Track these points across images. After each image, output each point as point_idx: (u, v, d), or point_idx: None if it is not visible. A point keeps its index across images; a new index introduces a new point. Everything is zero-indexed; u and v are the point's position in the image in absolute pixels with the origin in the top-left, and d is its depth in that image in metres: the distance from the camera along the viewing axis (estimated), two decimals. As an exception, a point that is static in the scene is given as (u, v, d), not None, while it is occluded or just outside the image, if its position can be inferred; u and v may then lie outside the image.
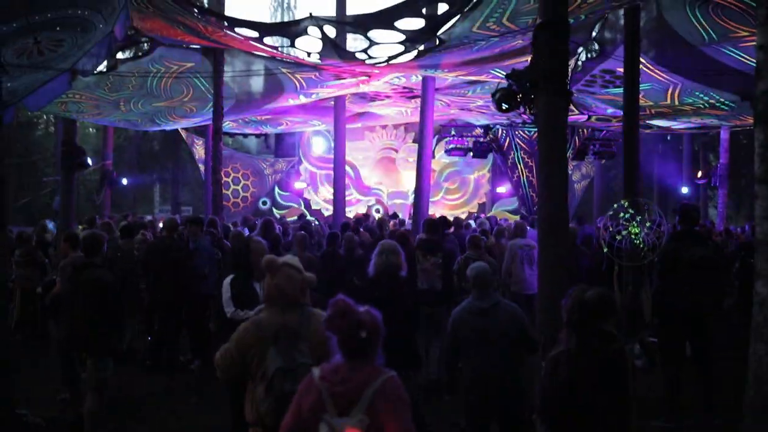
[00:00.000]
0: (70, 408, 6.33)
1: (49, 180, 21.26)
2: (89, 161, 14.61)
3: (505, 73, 6.50)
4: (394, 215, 17.52)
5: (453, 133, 19.80)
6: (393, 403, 2.68)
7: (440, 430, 5.89)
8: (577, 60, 11.47)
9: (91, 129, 33.60)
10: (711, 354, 6.31)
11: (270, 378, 3.36)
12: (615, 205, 9.05)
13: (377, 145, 24.77)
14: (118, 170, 22.02)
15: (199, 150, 22.17)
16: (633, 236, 8.80)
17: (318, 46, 10.34)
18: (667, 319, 6.25)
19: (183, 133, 22.08)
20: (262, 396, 3.38)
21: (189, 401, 7.00)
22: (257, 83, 14.38)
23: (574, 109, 13.60)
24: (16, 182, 24.01)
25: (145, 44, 12.39)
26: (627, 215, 8.89)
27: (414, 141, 23.46)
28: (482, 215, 19.50)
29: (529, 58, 5.98)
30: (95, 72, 8.86)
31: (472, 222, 13.91)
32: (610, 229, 8.97)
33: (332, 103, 15.95)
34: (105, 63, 10.76)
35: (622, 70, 10.04)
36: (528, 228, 10.49)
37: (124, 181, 22.56)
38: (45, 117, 30.73)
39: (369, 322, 2.76)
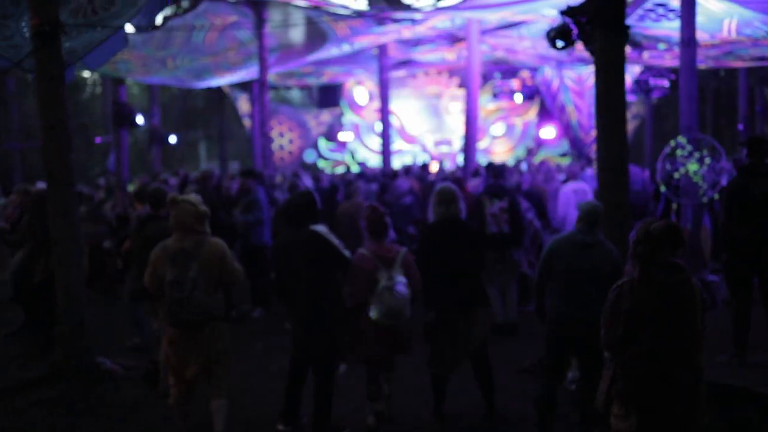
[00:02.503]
0: (145, 358, 6.61)
1: (101, 140, 21.67)
2: (139, 119, 14.88)
3: (557, 11, 6.35)
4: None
5: (499, 76, 19.50)
6: (412, 263, 5.02)
7: (503, 372, 5.95)
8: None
9: (136, 88, 34.00)
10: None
11: (166, 287, 4.51)
12: (672, 142, 8.86)
13: (421, 92, 24.51)
14: (164, 128, 22.30)
15: (242, 105, 22.29)
16: (691, 174, 8.64)
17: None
18: (735, 256, 6.11)
19: (226, 89, 22.20)
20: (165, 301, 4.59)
21: (255, 347, 7.24)
22: (300, 34, 14.33)
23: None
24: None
25: (185, 1, 12.45)
26: (685, 152, 8.72)
27: (459, 86, 23.16)
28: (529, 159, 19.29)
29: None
30: (149, 28, 8.93)
31: (523, 165, 13.81)
32: (668, 167, 8.82)
33: (375, 51, 15.82)
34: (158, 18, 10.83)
35: (676, 1, 9.70)
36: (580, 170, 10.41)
37: (172, 139, 22.89)
38: (91, 79, 31.16)
39: (381, 216, 5.03)
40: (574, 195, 8.95)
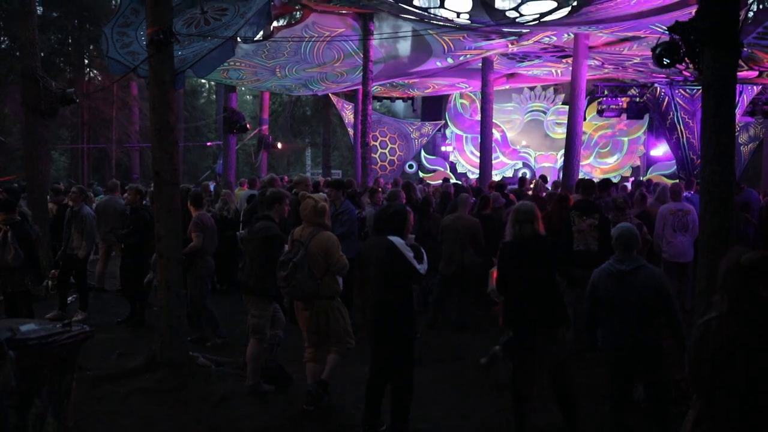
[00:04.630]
0: (235, 354, 6.86)
1: (211, 144, 22.70)
2: (248, 125, 15.48)
3: (666, 27, 6.12)
4: (543, 177, 17.07)
5: (606, 93, 18.97)
6: None
7: (586, 393, 5.78)
8: (749, 10, 10.56)
9: (248, 96, 35.37)
10: None
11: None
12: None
13: (525, 107, 24.23)
14: (272, 134, 23.05)
15: (348, 115, 22.74)
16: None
17: (467, 5, 10.21)
18: None
19: (333, 99, 22.72)
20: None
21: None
22: (405, 46, 14.48)
23: (743, 64, 12.58)
24: (182, 146, 25.88)
25: (298, 12, 12.82)
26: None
27: (564, 102, 22.72)
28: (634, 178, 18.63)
29: (695, 10, 5.59)
30: (255, 39, 9.30)
31: (627, 185, 13.36)
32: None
33: (480, 64, 15.76)
34: (263, 31, 11.24)
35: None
36: (684, 192, 9.95)
37: (279, 145, 23.60)
38: (207, 86, 32.69)
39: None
40: (671, 216, 8.61)
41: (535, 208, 5.13)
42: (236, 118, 15.10)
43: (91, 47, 24.80)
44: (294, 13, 14.52)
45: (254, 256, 5.91)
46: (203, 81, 27.64)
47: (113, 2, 26.29)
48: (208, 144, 23.38)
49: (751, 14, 10.56)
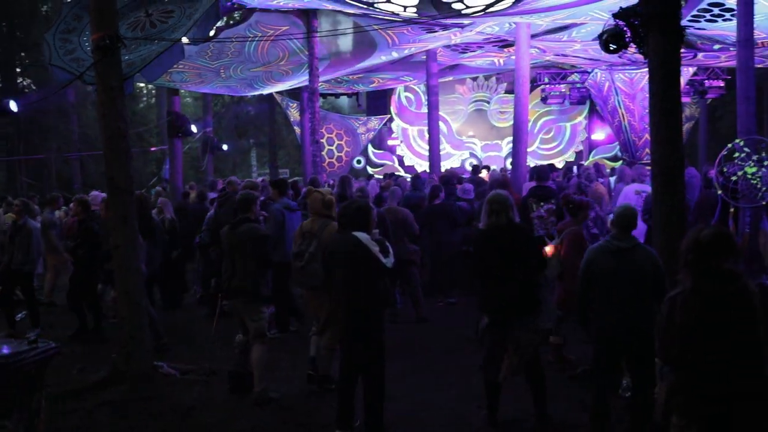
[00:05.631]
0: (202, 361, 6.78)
1: (156, 149, 22.24)
2: (193, 128, 15.22)
3: (611, 14, 6.27)
4: (486, 167, 17.27)
5: (548, 80, 19.32)
6: None
7: (555, 378, 5.91)
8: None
9: (188, 98, 34.74)
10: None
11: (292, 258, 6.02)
12: (730, 145, 8.67)
13: (468, 97, 24.47)
14: (216, 136, 22.74)
15: (293, 113, 22.59)
16: (749, 176, 8.43)
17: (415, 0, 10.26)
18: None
19: (278, 97, 22.53)
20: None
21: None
22: (349, 42, 14.45)
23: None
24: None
25: (237, 13, 12.67)
26: (743, 155, 8.51)
27: (507, 91, 23.05)
28: (582, 163, 19.05)
29: (636, -4, 5.74)
30: (204, 40, 9.15)
31: (574, 169, 13.66)
32: (725, 170, 8.62)
33: (424, 57, 15.85)
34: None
35: (732, 1, 9.49)
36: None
37: (225, 147, 23.30)
38: (147, 90, 31.98)
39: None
40: (636, 197, 8.81)
41: (509, 196, 5.20)
42: (181, 121, 14.81)
43: (23, 54, 23.99)
44: (233, 13, 14.32)
45: (245, 260, 5.81)
46: (142, 85, 27.00)
47: (43, 8, 25.49)
48: (152, 149, 22.90)
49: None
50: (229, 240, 5.95)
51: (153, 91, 29.26)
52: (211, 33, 11.41)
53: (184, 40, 7.35)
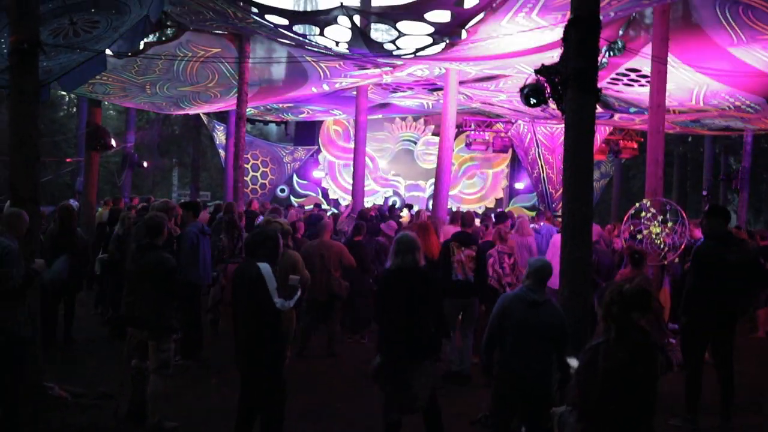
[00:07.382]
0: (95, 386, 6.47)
1: (72, 160, 21.42)
2: (113, 142, 14.75)
3: (533, 69, 6.51)
4: (409, 206, 17.47)
5: (473, 127, 19.80)
6: None
7: (455, 422, 5.93)
8: (603, 57, 11.41)
9: (112, 111, 33.81)
10: (731, 357, 6.29)
11: None
12: (637, 204, 9.08)
13: (396, 136, 24.78)
14: (138, 153, 22.15)
15: (219, 135, 22.29)
16: (654, 236, 8.84)
17: (347, 35, 10.38)
18: (697, 320, 6.22)
19: (204, 119, 22.20)
20: None
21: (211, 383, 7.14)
22: (281, 71, 14.43)
23: (597, 106, 13.56)
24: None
25: (169, 30, 12.44)
26: (649, 215, 8.93)
27: (434, 133, 23.47)
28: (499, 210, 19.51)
29: (558, 54, 5.98)
30: (129, 54, 8.95)
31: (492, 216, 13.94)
32: (631, 228, 9.01)
33: (354, 92, 15.98)
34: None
35: (648, 68, 10.02)
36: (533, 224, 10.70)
37: (145, 164, 22.71)
38: (68, 98, 30.94)
39: None
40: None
41: (417, 239, 5.23)
42: (100, 134, 14.33)
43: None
44: (165, 30, 14.09)
45: (149, 291, 5.52)
46: (63, 93, 26.12)
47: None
48: (68, 160, 22.03)
49: (605, 61, 11.41)
50: (135, 266, 5.71)
51: (74, 100, 28.29)
52: (140, 47, 11.20)
53: (108, 52, 7.18)
